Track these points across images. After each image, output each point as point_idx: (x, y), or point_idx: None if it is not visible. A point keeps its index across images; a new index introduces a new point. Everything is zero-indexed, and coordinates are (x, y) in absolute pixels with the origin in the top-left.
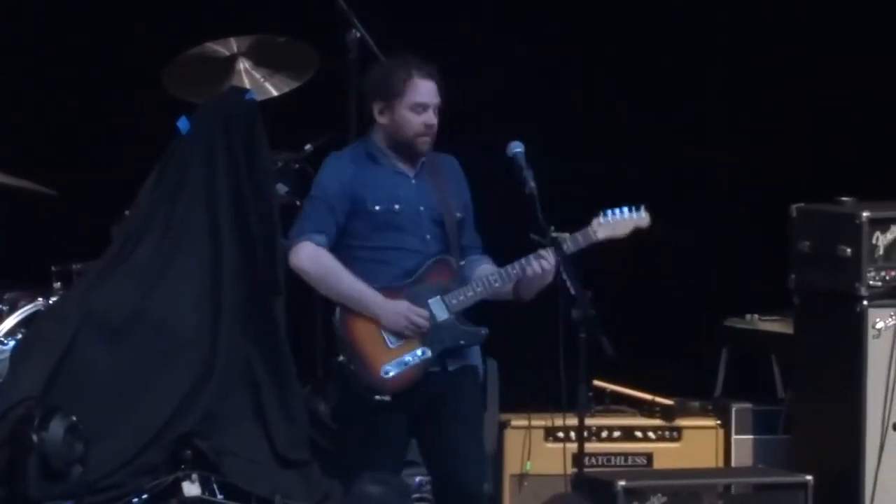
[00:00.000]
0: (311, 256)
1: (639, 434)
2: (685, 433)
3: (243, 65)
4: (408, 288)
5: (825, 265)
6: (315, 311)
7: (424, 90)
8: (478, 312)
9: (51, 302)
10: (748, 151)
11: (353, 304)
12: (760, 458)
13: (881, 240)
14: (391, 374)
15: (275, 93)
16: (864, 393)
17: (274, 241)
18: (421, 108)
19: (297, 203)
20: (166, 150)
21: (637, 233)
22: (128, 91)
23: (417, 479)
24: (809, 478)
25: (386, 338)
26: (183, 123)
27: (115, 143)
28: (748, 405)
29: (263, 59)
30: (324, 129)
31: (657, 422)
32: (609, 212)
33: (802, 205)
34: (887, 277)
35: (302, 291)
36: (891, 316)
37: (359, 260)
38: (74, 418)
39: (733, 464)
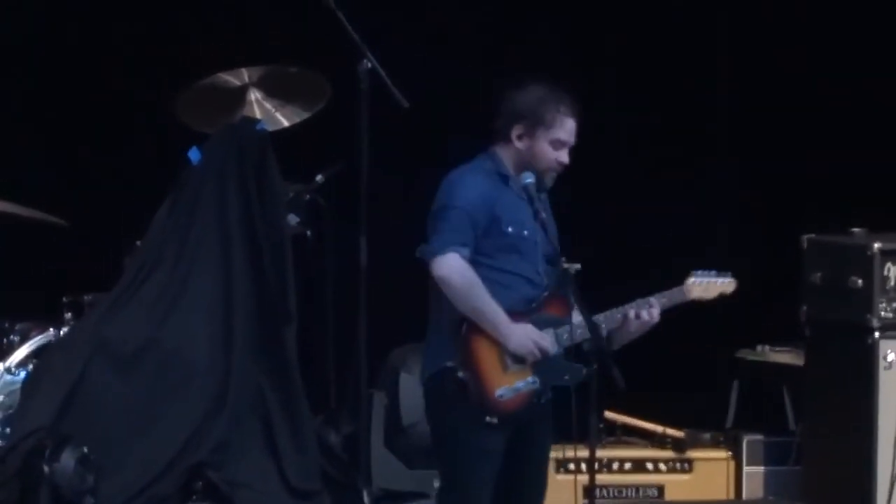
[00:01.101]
0: (458, 269)
1: (650, 466)
2: (696, 465)
3: (255, 95)
4: (528, 315)
5: (836, 296)
6: (327, 341)
7: (569, 128)
8: None
9: (62, 333)
10: (758, 181)
11: (485, 321)
12: (772, 489)
13: (892, 271)
14: (504, 397)
15: (286, 123)
16: (875, 424)
17: (285, 271)
18: (560, 144)
19: (308, 233)
20: (178, 180)
21: (721, 296)
22: (139, 121)
23: None
24: None
25: (505, 360)
26: (194, 154)
27: (126, 173)
28: (759, 437)
29: (275, 90)
30: (335, 160)
31: (668, 453)
32: (701, 272)
33: (813, 236)
34: None
35: (314, 321)
36: None
37: (482, 279)
38: (86, 449)
39: (744, 495)
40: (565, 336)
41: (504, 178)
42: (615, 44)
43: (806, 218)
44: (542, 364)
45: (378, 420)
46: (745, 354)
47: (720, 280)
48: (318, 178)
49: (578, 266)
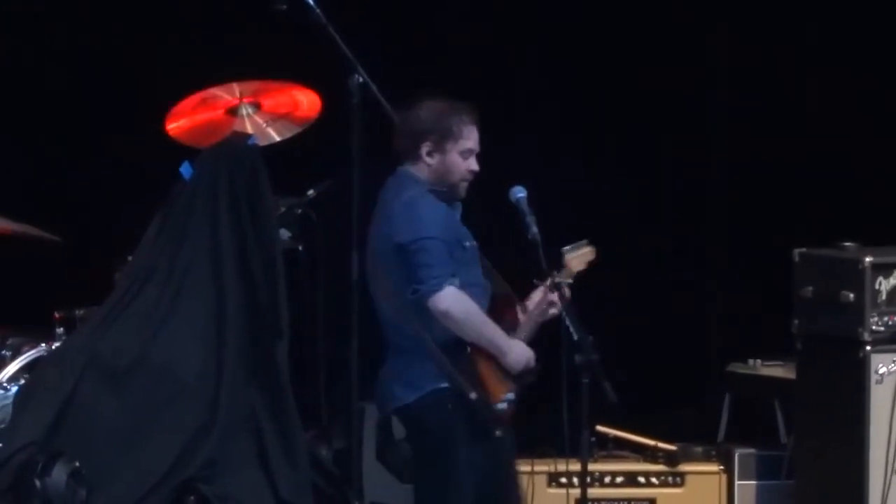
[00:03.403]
0: (457, 300)
1: (642, 479)
2: (688, 478)
3: (246, 110)
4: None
5: (828, 310)
6: (318, 355)
7: (474, 136)
8: None
9: (54, 347)
10: (749, 194)
11: (487, 341)
12: (763, 503)
13: (884, 285)
14: (503, 410)
15: (277, 138)
16: (866, 438)
17: (276, 286)
18: (469, 153)
19: (300, 248)
20: (169, 195)
21: (590, 265)
22: (131, 136)
23: None
24: None
25: (499, 375)
26: (185, 169)
27: (118, 188)
28: (751, 450)
29: (266, 105)
30: (326, 175)
31: (660, 467)
32: (570, 248)
33: (805, 250)
34: (890, 322)
35: (305, 336)
36: (893, 361)
37: None
38: (77, 464)
39: None
40: (521, 337)
41: (437, 195)
42: (609, 51)
43: (797, 231)
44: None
45: (370, 434)
46: (737, 368)
47: (583, 249)
48: (310, 192)
49: (570, 280)
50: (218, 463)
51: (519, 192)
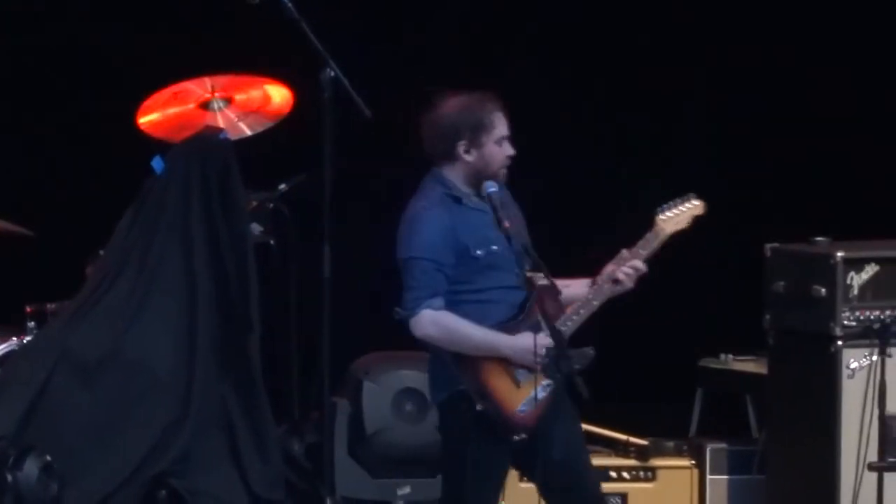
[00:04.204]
0: (434, 322)
1: (613, 474)
2: (660, 473)
3: (218, 104)
4: (521, 322)
5: (800, 305)
6: (290, 350)
7: (503, 121)
8: None
9: (25, 341)
10: (722, 190)
11: (484, 352)
12: (735, 498)
13: (855, 280)
14: (526, 411)
15: (249, 132)
16: (838, 433)
17: (248, 281)
18: (503, 140)
19: (271, 242)
20: (141, 189)
21: (695, 220)
22: (103, 129)
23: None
24: None
25: (514, 376)
26: (157, 163)
27: (89, 182)
28: (723, 445)
29: (238, 99)
30: (298, 169)
31: (632, 462)
32: (666, 206)
33: (777, 245)
34: (861, 317)
35: (277, 330)
36: (865, 356)
37: (465, 303)
38: (49, 458)
39: None
40: (564, 328)
41: (457, 200)
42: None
43: (769, 227)
44: (551, 363)
45: (341, 428)
46: (709, 363)
47: (687, 205)
48: (282, 186)
49: (543, 276)
50: (190, 457)
51: (490, 187)
